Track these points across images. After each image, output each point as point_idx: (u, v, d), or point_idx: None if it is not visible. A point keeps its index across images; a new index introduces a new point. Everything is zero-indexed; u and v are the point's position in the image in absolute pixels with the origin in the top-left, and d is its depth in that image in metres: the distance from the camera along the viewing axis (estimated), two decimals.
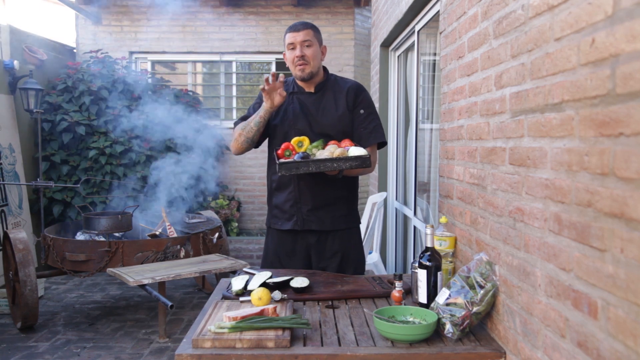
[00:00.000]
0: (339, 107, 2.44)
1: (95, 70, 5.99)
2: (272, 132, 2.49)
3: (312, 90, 2.47)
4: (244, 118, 2.52)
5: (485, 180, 1.71)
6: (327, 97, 2.46)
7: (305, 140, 2.30)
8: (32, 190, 5.46)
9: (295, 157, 2.17)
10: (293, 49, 2.40)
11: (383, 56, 4.84)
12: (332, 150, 2.19)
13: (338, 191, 2.45)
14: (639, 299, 0.91)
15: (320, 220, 2.43)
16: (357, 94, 2.47)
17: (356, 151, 2.17)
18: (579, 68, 1.11)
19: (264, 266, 2.53)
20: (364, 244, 4.05)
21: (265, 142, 2.58)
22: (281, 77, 2.28)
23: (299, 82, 2.48)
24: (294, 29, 2.41)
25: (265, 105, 2.32)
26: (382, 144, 2.51)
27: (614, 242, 0.99)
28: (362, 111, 2.45)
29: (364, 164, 2.12)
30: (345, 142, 2.31)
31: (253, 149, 2.53)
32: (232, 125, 2.60)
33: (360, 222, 2.60)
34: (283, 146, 2.29)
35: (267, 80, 2.26)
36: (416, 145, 3.73)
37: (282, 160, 2.20)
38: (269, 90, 2.28)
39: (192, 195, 5.82)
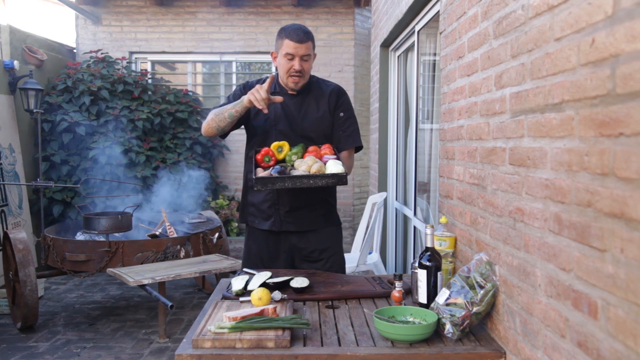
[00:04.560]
0: (320, 109, 2.43)
1: (95, 70, 5.99)
2: (253, 131, 2.47)
3: (295, 92, 2.45)
4: (220, 106, 2.45)
5: (485, 181, 1.71)
6: (309, 100, 2.44)
7: (285, 145, 2.29)
8: (32, 190, 5.46)
9: (272, 171, 2.17)
10: (291, 60, 2.32)
11: (383, 56, 4.84)
12: (309, 163, 2.18)
13: (316, 194, 2.44)
14: (639, 299, 0.91)
15: (298, 221, 2.43)
16: (339, 97, 2.47)
17: (334, 167, 2.17)
18: (579, 68, 1.11)
19: (246, 267, 2.51)
20: (363, 244, 4.06)
21: (237, 135, 2.54)
22: (267, 84, 2.21)
23: (283, 84, 2.45)
24: (297, 39, 2.29)
25: (245, 103, 2.24)
26: (359, 148, 2.52)
27: (614, 242, 0.99)
28: (341, 114, 2.45)
29: (340, 181, 2.13)
30: (325, 149, 2.31)
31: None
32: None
33: (341, 223, 2.60)
34: (263, 151, 2.28)
35: (258, 90, 2.18)
36: (416, 145, 3.73)
37: (258, 175, 2.18)
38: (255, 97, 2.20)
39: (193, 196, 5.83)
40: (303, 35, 2.31)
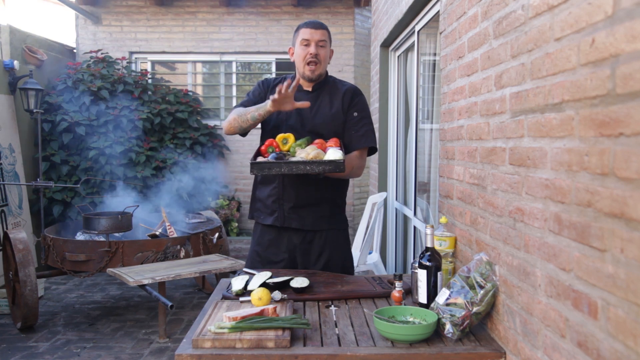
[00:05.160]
0: (333, 107, 2.42)
1: (95, 70, 5.99)
2: (265, 126, 2.47)
3: (310, 89, 2.45)
4: (243, 104, 2.47)
5: (485, 181, 1.71)
6: (323, 97, 2.44)
7: (290, 137, 2.28)
8: (32, 190, 5.46)
9: (270, 158, 2.14)
10: (307, 45, 2.36)
11: (383, 56, 4.84)
12: (308, 151, 2.16)
13: (322, 192, 2.41)
14: (639, 299, 0.91)
15: (302, 218, 2.41)
16: (353, 96, 2.46)
17: (332, 155, 2.14)
18: (579, 68, 1.11)
19: (248, 265, 2.52)
20: (363, 244, 4.06)
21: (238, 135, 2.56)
22: (294, 84, 2.19)
23: (299, 76, 2.46)
24: (312, 25, 2.38)
25: (269, 108, 2.24)
26: (373, 149, 2.48)
27: (614, 242, 0.99)
28: (355, 114, 2.43)
29: (337, 168, 2.08)
30: (331, 142, 2.29)
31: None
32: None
33: (347, 225, 2.57)
34: (267, 142, 2.26)
35: (280, 90, 2.15)
36: (416, 145, 3.73)
37: (257, 159, 2.17)
38: (279, 100, 2.19)
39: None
40: (317, 23, 2.41)
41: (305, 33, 2.37)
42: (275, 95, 2.16)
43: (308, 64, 2.37)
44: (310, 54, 2.35)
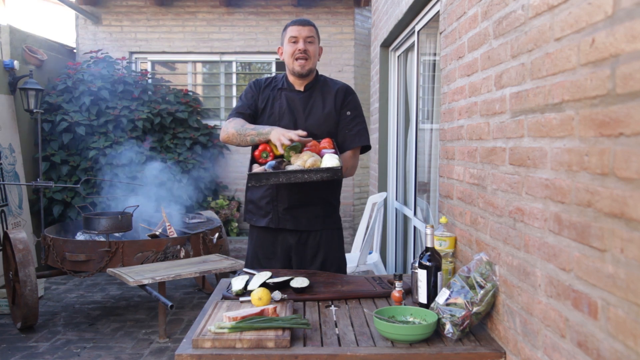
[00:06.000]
0: (326, 107, 2.42)
1: (96, 70, 5.99)
2: None
3: (302, 89, 2.46)
4: (238, 111, 2.44)
5: (485, 181, 1.71)
6: (315, 97, 2.44)
7: None
8: (32, 190, 5.46)
9: (267, 167, 2.14)
10: (295, 42, 2.38)
11: (383, 56, 4.84)
12: (305, 158, 2.15)
13: (316, 192, 2.41)
14: (639, 299, 0.92)
15: (296, 219, 2.41)
16: (346, 95, 2.46)
17: (329, 161, 2.14)
18: (579, 68, 1.11)
19: (248, 266, 2.51)
20: (363, 244, 4.06)
21: None
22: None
23: (290, 79, 2.46)
24: (298, 23, 2.40)
25: (272, 139, 2.21)
26: (367, 147, 2.49)
27: (614, 242, 0.99)
28: (348, 113, 2.44)
29: (335, 175, 2.08)
30: (324, 143, 2.29)
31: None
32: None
33: (341, 226, 2.56)
34: (261, 147, 2.25)
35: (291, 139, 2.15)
36: (416, 145, 3.73)
37: (252, 170, 2.16)
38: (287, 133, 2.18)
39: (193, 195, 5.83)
40: (304, 20, 2.43)
41: (292, 31, 2.39)
42: (281, 138, 2.15)
43: (297, 59, 2.38)
44: (299, 49, 2.37)
